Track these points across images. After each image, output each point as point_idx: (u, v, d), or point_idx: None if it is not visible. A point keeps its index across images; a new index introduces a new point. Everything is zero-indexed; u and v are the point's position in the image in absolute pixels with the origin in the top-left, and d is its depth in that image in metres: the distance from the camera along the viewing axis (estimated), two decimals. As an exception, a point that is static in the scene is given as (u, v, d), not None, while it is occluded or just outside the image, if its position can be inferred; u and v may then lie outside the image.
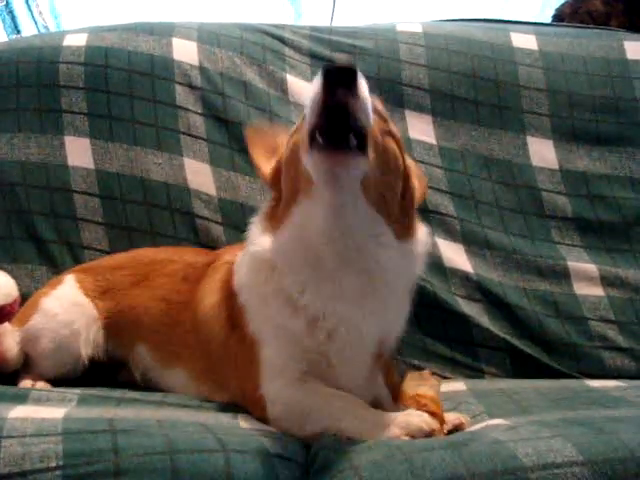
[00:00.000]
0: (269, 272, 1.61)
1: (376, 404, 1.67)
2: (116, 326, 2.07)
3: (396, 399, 1.54)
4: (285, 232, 1.57)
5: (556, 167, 2.62)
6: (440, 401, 1.51)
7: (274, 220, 1.62)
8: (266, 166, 1.71)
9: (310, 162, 1.42)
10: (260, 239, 1.63)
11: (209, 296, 1.84)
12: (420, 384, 1.55)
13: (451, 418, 1.53)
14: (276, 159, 1.69)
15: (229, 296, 1.76)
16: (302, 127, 1.48)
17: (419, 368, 2.31)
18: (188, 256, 2.09)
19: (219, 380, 1.79)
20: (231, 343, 1.74)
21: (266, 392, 1.60)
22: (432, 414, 1.47)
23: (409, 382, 1.55)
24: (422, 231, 1.71)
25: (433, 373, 1.60)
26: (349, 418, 1.48)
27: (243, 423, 1.55)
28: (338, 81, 1.32)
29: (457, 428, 1.51)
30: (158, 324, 1.98)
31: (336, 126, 1.34)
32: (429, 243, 1.75)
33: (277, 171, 1.66)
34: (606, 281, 2.49)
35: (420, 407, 1.49)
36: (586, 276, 2.49)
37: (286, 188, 1.59)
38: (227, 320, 1.76)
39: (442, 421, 1.49)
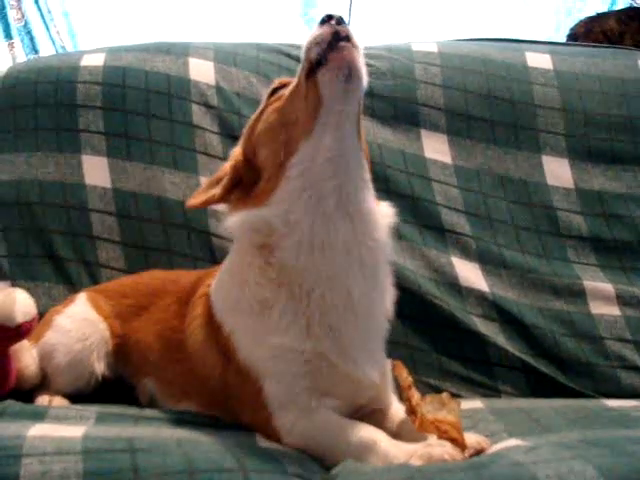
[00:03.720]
0: (270, 258, 1.62)
1: (395, 426, 1.67)
2: (124, 354, 2.09)
3: (416, 424, 1.51)
4: (285, 189, 1.60)
5: (572, 186, 2.62)
6: (461, 426, 1.50)
7: (258, 198, 1.64)
8: (207, 193, 1.79)
9: (323, 80, 1.55)
10: (254, 214, 1.63)
11: (196, 334, 1.83)
12: (439, 408, 1.53)
13: (472, 442, 1.50)
14: (231, 162, 1.76)
15: (215, 329, 1.75)
16: (287, 90, 1.66)
17: (435, 387, 2.31)
18: (179, 286, 2.06)
19: (230, 410, 1.75)
20: (229, 377, 1.71)
21: (279, 425, 1.58)
22: (453, 440, 1.45)
23: (428, 406, 1.53)
24: (385, 203, 1.77)
25: (452, 395, 1.57)
26: (370, 453, 1.47)
27: (261, 442, 1.54)
28: (337, 21, 1.58)
29: (478, 453, 1.49)
30: (161, 361, 1.98)
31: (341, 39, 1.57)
32: (392, 218, 1.75)
33: (238, 168, 1.73)
34: (622, 300, 2.48)
35: (441, 434, 1.47)
36: (602, 295, 2.48)
37: (269, 156, 1.64)
38: (218, 354, 1.74)
39: (463, 447, 1.46)
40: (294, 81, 1.66)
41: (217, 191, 1.75)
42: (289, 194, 1.60)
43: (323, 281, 1.59)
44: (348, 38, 1.56)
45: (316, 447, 1.54)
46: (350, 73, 1.55)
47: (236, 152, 1.79)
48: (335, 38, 1.55)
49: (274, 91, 1.72)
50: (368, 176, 1.69)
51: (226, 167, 1.79)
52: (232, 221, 1.69)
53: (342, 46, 1.55)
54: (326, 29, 1.56)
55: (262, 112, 1.71)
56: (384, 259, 1.71)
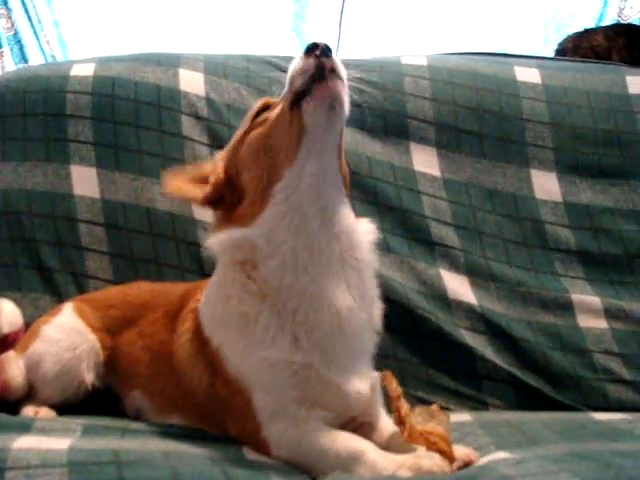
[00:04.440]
0: (252, 273, 1.65)
1: (383, 436, 1.67)
2: (113, 366, 2.08)
3: (404, 435, 1.51)
4: (269, 213, 1.63)
5: (560, 200, 2.63)
6: (450, 438, 1.50)
7: (241, 219, 1.67)
8: (194, 190, 1.79)
9: (307, 109, 1.58)
10: (237, 234, 1.66)
11: (184, 349, 1.83)
12: (428, 419, 1.53)
13: (460, 454, 1.50)
14: (214, 176, 1.76)
15: (203, 344, 1.76)
16: (270, 114, 1.69)
17: (423, 400, 2.30)
18: (168, 298, 2.06)
19: (218, 423, 1.76)
20: (217, 390, 1.72)
21: (268, 435, 1.58)
22: (442, 452, 1.45)
23: (417, 418, 1.53)
24: (365, 220, 1.81)
25: (442, 407, 1.57)
26: (358, 464, 1.46)
27: (249, 454, 1.54)
28: (322, 52, 1.59)
29: (467, 465, 1.49)
30: (150, 374, 1.98)
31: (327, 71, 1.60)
32: (374, 234, 1.79)
33: (219, 183, 1.75)
34: (610, 314, 2.49)
35: (430, 445, 1.47)
36: (590, 309, 2.49)
37: (253, 180, 1.67)
38: (206, 368, 1.75)
39: (452, 459, 1.46)
40: (278, 107, 1.69)
41: (198, 194, 1.77)
42: (273, 217, 1.63)
43: (308, 300, 1.61)
44: (332, 69, 1.59)
45: (304, 458, 1.54)
46: (333, 104, 1.59)
47: (218, 166, 1.79)
48: (319, 70, 1.58)
49: (258, 112, 1.74)
50: (346, 196, 1.74)
51: (214, 170, 1.80)
52: (216, 238, 1.71)
53: (326, 78, 1.58)
54: (311, 61, 1.58)
55: (246, 133, 1.73)
56: (369, 274, 1.73)
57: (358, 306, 1.66)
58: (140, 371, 2.00)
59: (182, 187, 1.79)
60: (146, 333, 2.02)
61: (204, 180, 1.80)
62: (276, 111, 1.68)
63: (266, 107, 1.74)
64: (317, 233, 1.62)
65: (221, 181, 1.75)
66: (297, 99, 1.59)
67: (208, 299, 1.79)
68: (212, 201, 1.76)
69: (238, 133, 1.79)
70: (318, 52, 1.58)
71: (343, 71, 1.62)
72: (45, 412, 1.98)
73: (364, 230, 1.75)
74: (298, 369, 1.59)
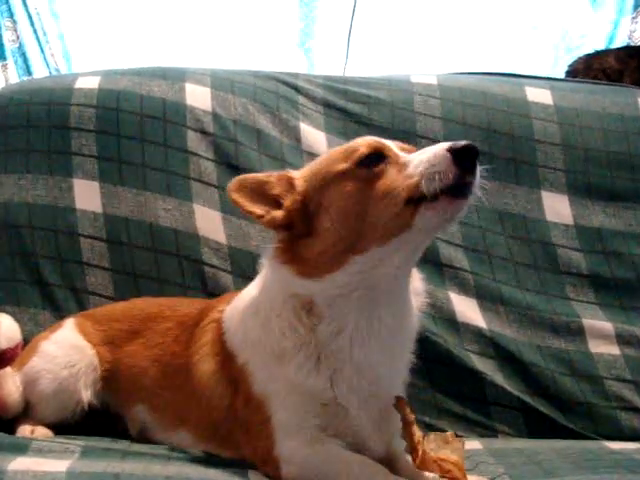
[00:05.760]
0: (304, 318, 1.59)
1: (392, 462, 1.61)
2: (114, 381, 2.02)
3: (417, 461, 1.46)
4: (340, 278, 1.54)
5: (571, 223, 2.59)
6: (464, 466, 1.44)
7: (306, 263, 1.57)
8: (258, 208, 1.64)
9: (424, 214, 1.47)
10: (298, 282, 1.58)
11: (204, 362, 1.79)
12: (442, 446, 1.47)
13: (474, 484, 1.46)
14: (291, 200, 1.62)
15: (225, 359, 1.72)
16: (379, 181, 1.53)
17: (430, 426, 2.25)
18: (181, 311, 2.02)
19: (227, 441, 1.72)
20: (236, 407, 1.68)
21: (280, 452, 1.55)
22: (455, 481, 1.40)
23: (430, 444, 1.47)
24: (417, 277, 1.74)
25: (456, 435, 1.52)
26: None
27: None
28: (470, 163, 1.47)
29: (481, 495, 1.44)
30: (157, 387, 1.93)
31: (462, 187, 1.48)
32: (423, 295, 1.74)
33: (295, 209, 1.61)
34: (622, 339, 2.44)
35: (443, 473, 1.42)
36: (601, 334, 2.44)
37: (334, 234, 1.55)
38: (228, 385, 1.71)
39: (466, 488, 1.41)
40: (394, 172, 1.52)
41: (266, 217, 1.62)
42: (343, 286, 1.55)
43: (353, 368, 1.57)
44: (470, 188, 1.48)
45: (314, 477, 1.50)
46: (451, 221, 1.53)
47: (297, 190, 1.64)
48: (459, 186, 1.46)
49: (369, 156, 1.56)
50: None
51: (286, 189, 1.65)
52: (275, 273, 1.63)
53: (461, 199, 1.47)
54: (454, 170, 1.45)
55: (346, 174, 1.57)
56: (411, 340, 1.70)
57: (397, 372, 1.65)
58: (145, 384, 1.95)
59: (248, 205, 1.65)
60: (154, 344, 1.97)
61: (268, 194, 1.66)
62: (389, 184, 1.51)
63: (378, 153, 1.56)
64: (382, 315, 1.58)
65: (298, 207, 1.61)
66: (418, 199, 1.47)
67: (241, 317, 1.73)
68: (281, 226, 1.63)
69: (332, 163, 1.61)
70: (467, 164, 1.46)
71: (477, 188, 1.50)
72: (41, 431, 1.93)
73: (416, 293, 1.70)
74: (328, 402, 1.56)
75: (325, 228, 1.57)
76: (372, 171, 1.54)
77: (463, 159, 1.45)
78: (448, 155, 1.45)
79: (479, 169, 1.50)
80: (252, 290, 1.74)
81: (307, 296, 1.58)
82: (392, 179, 1.51)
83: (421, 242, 1.57)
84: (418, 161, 1.49)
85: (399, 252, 1.53)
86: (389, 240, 1.51)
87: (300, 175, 1.66)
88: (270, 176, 1.69)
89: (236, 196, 1.64)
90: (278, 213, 1.62)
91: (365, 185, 1.54)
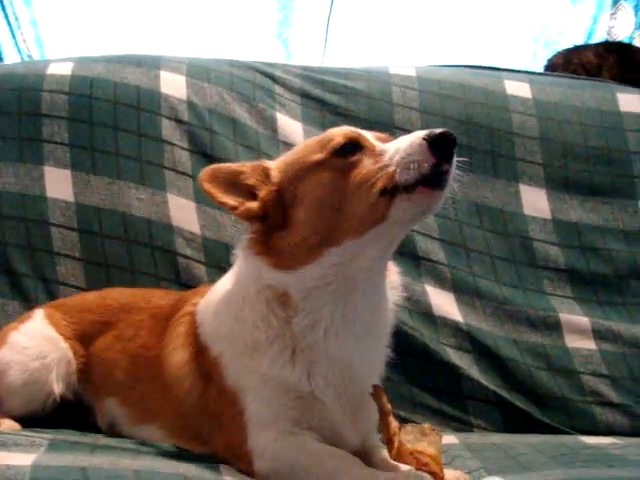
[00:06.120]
0: (277, 310, 1.55)
1: (368, 455, 1.58)
2: (86, 373, 1.98)
3: (393, 453, 1.43)
4: (315, 271, 1.51)
5: (549, 217, 2.58)
6: (441, 459, 1.41)
7: (280, 254, 1.54)
8: (231, 199, 1.60)
9: (400, 205, 1.44)
10: (271, 274, 1.54)
11: (175, 354, 1.75)
12: (420, 439, 1.44)
13: (451, 477, 1.43)
14: (266, 191, 1.58)
15: (198, 351, 1.68)
16: (355, 171, 1.50)
17: (405, 420, 2.22)
18: (154, 302, 1.98)
19: (198, 435, 1.69)
20: (208, 400, 1.64)
21: (254, 445, 1.51)
22: (432, 474, 1.37)
23: (408, 436, 1.44)
24: (394, 271, 1.71)
25: (434, 428, 1.49)
26: (344, 477, 1.39)
27: (227, 476, 1.44)
28: (447, 151, 1.44)
29: (457, 488, 1.42)
30: (129, 380, 1.89)
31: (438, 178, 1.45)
32: (399, 289, 1.71)
33: (270, 200, 1.57)
34: (598, 334, 2.43)
35: (420, 465, 1.39)
36: (578, 329, 2.43)
37: (308, 226, 1.52)
38: (200, 377, 1.68)
39: (442, 482, 1.39)
40: (369, 162, 1.49)
41: (240, 208, 1.58)
42: (318, 278, 1.52)
43: (328, 361, 1.54)
44: (446, 178, 1.45)
45: (287, 470, 1.46)
46: (427, 212, 1.51)
47: (272, 180, 1.60)
48: (435, 176, 1.43)
49: (343, 146, 1.53)
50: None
51: (261, 179, 1.61)
52: (249, 264, 1.60)
53: (436, 187, 1.44)
54: (429, 158, 1.42)
55: (321, 165, 1.53)
56: (387, 334, 1.67)
57: (372, 365, 1.62)
58: (116, 376, 1.91)
59: (221, 196, 1.60)
60: (126, 336, 1.92)
61: (242, 185, 1.61)
62: (365, 173, 1.48)
63: (354, 143, 1.53)
64: (357, 307, 1.55)
65: (273, 198, 1.58)
66: (393, 189, 1.44)
67: (214, 310, 1.69)
68: (256, 217, 1.59)
69: (308, 154, 1.57)
70: (444, 151, 1.43)
71: (452, 177, 1.47)
72: (8, 424, 1.87)
73: (392, 287, 1.67)
74: (302, 396, 1.53)
75: (300, 219, 1.53)
76: (348, 161, 1.51)
77: (440, 147, 1.42)
78: (424, 143, 1.42)
79: (456, 158, 1.46)
80: (226, 282, 1.70)
81: (281, 288, 1.54)
82: (368, 169, 1.48)
83: (397, 234, 1.54)
84: (394, 150, 1.46)
85: (375, 244, 1.50)
86: (364, 232, 1.48)
87: (275, 165, 1.63)
88: (244, 166, 1.65)
89: (208, 186, 1.60)
90: (253, 204, 1.58)
91: (340, 175, 1.51)
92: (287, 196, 1.57)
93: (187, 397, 1.69)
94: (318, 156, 1.54)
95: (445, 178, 1.44)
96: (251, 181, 1.61)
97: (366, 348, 1.58)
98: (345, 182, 1.49)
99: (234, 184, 1.62)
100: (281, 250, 1.54)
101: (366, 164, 1.49)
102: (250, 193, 1.61)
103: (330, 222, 1.50)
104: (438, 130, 1.43)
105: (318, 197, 1.52)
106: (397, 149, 1.46)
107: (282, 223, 1.55)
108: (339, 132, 1.57)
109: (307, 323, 1.53)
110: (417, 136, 1.44)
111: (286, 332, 1.54)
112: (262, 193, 1.59)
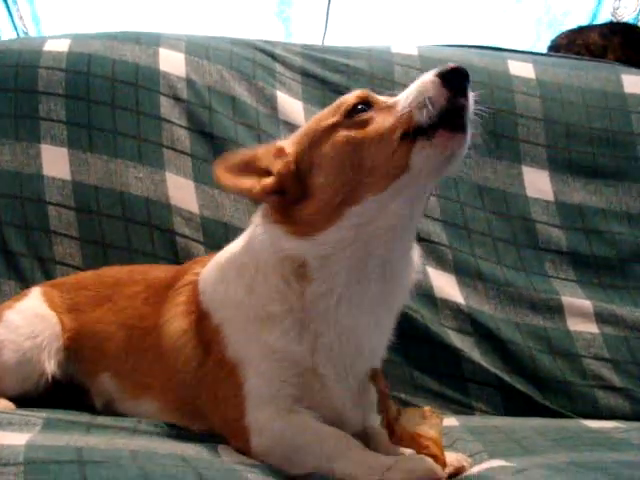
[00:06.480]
0: (293, 283, 1.51)
1: (369, 438, 1.56)
2: (79, 350, 1.94)
3: (393, 436, 1.41)
4: (334, 234, 1.47)
5: (551, 199, 2.55)
6: (442, 443, 1.39)
7: (300, 223, 1.50)
8: (243, 181, 1.58)
9: (421, 152, 1.40)
10: (291, 242, 1.50)
11: (173, 321, 1.71)
12: (420, 422, 1.42)
13: (452, 460, 1.41)
14: (281, 163, 1.55)
15: (199, 319, 1.65)
16: (370, 125, 1.47)
17: (406, 402, 2.21)
18: (151, 275, 1.95)
19: (194, 409, 1.66)
20: (206, 370, 1.61)
21: (252, 422, 1.48)
22: (433, 457, 1.34)
23: (409, 419, 1.42)
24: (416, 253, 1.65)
25: (434, 411, 1.47)
26: (343, 459, 1.36)
27: (225, 456, 1.41)
28: (460, 84, 1.41)
29: (458, 471, 1.40)
30: (123, 352, 1.85)
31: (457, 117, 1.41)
32: (418, 272, 1.66)
33: (287, 173, 1.54)
34: (601, 318, 2.41)
35: (421, 449, 1.37)
36: (580, 312, 2.41)
37: (328, 189, 1.48)
38: (198, 346, 1.64)
39: (444, 464, 1.37)
40: (384, 116, 1.46)
41: (256, 187, 1.56)
42: (336, 242, 1.48)
43: (337, 332, 1.51)
44: (465, 119, 1.41)
45: (286, 449, 1.43)
46: (452, 159, 1.42)
47: (289, 153, 1.57)
48: (452, 112, 1.39)
49: (355, 106, 1.51)
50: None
51: (278, 156, 1.58)
52: (266, 233, 1.55)
53: (458, 129, 1.39)
54: (445, 93, 1.39)
55: (335, 127, 1.51)
56: (398, 312, 1.63)
57: (379, 342, 1.59)
58: (110, 350, 1.87)
59: (237, 184, 1.59)
60: (121, 307, 1.89)
61: (256, 168, 1.59)
62: (381, 123, 1.46)
63: (365, 102, 1.51)
64: (372, 275, 1.50)
65: (290, 171, 1.54)
66: (414, 132, 1.40)
67: (221, 276, 1.65)
68: (272, 192, 1.55)
69: (321, 120, 1.55)
70: (456, 85, 1.40)
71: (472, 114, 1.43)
72: (3, 404, 1.84)
73: (412, 269, 1.62)
74: (305, 372, 1.50)
75: (319, 184, 1.50)
76: (362, 118, 1.48)
77: (453, 81, 1.39)
78: (437, 80, 1.40)
79: (471, 93, 1.43)
80: (234, 250, 1.67)
81: (299, 257, 1.50)
82: (383, 120, 1.46)
83: (420, 189, 1.47)
84: (407, 95, 1.44)
85: (396, 199, 1.45)
86: (386, 186, 1.43)
87: (289, 142, 1.60)
88: (256, 150, 1.63)
89: (224, 178, 1.59)
90: (269, 179, 1.55)
91: (356, 132, 1.48)
92: (304, 166, 1.54)
93: (185, 368, 1.65)
94: (332, 120, 1.52)
95: (464, 118, 1.40)
96: (264, 163, 1.59)
97: (376, 322, 1.54)
98: (362, 137, 1.47)
99: (248, 170, 1.60)
100: (301, 218, 1.50)
101: (381, 117, 1.47)
102: (266, 173, 1.58)
103: (350, 180, 1.46)
104: (449, 65, 1.41)
105: (337, 157, 1.48)
106: (409, 93, 1.44)
107: (300, 196, 1.52)
108: (350, 95, 1.55)
109: (321, 291, 1.49)
110: (428, 75, 1.42)
111: (299, 305, 1.51)
112: (277, 166, 1.56)
